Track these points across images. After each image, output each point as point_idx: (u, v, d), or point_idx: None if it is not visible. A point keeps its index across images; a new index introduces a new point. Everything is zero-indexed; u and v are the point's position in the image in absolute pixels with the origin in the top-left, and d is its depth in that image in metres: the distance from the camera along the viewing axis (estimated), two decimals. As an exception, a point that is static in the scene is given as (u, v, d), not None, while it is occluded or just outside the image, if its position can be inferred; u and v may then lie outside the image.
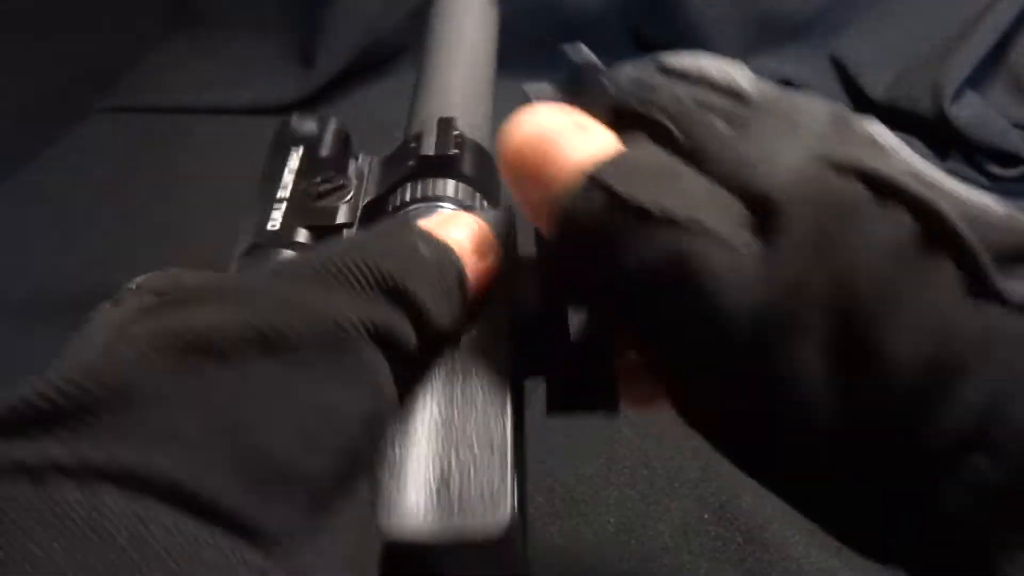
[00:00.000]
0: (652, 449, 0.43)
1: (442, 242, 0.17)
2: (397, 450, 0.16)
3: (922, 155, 0.14)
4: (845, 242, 0.13)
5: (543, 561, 0.38)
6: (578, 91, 0.18)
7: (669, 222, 0.14)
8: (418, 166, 0.26)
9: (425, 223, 0.18)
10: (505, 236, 0.20)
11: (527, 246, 0.20)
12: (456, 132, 0.27)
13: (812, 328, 0.13)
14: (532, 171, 0.17)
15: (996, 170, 0.62)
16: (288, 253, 0.25)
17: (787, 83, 0.72)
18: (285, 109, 0.75)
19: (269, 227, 0.25)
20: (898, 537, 0.14)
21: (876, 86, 0.70)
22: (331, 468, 0.13)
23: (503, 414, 0.16)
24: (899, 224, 0.13)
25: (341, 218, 0.26)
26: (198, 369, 0.12)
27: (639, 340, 0.17)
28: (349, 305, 0.14)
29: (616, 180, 0.15)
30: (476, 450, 0.16)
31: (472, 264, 0.18)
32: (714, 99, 0.16)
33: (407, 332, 0.15)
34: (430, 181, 0.26)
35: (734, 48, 0.74)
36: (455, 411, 0.16)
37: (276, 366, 0.13)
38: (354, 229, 0.26)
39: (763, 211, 0.14)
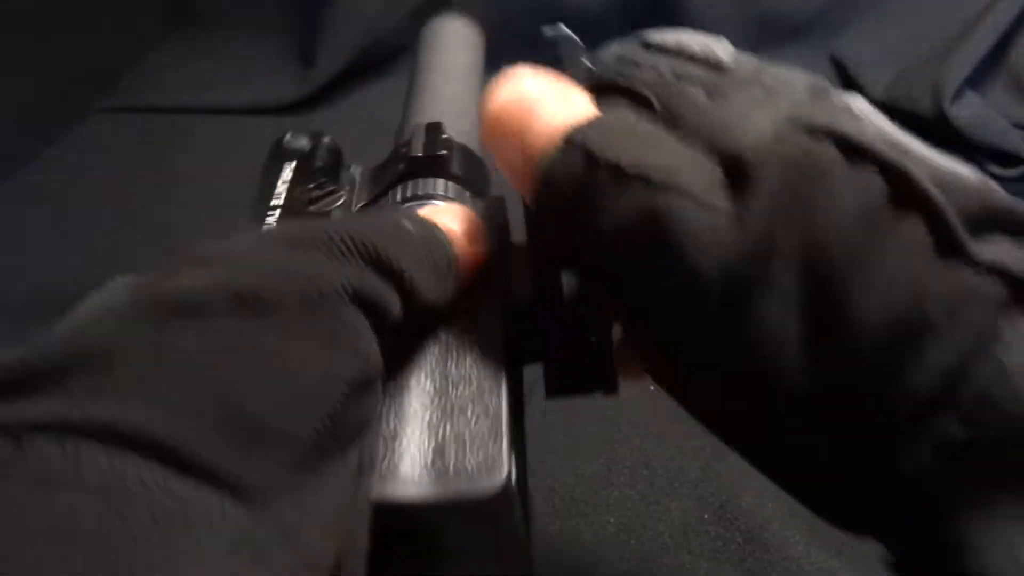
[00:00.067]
0: (652, 449, 0.43)
1: (428, 220, 0.18)
2: (392, 423, 0.16)
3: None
4: (816, 202, 0.13)
5: (543, 561, 0.38)
6: (560, 70, 0.19)
7: (644, 181, 0.14)
8: (408, 168, 0.27)
9: (414, 211, 0.18)
10: (497, 224, 0.20)
11: (520, 238, 0.21)
12: (444, 136, 0.28)
13: (782, 287, 0.13)
14: (513, 134, 0.17)
15: (996, 170, 0.62)
16: None
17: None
18: (285, 109, 0.75)
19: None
20: (865, 502, 0.14)
21: (876, 86, 0.70)
22: (312, 427, 0.13)
23: (498, 385, 0.17)
24: (870, 186, 0.13)
25: (334, 223, 0.26)
26: (175, 329, 0.12)
27: (617, 306, 0.17)
28: (329, 268, 0.14)
29: (593, 141, 0.15)
30: (470, 417, 0.16)
31: (461, 247, 0.18)
32: (694, 70, 0.16)
33: (391, 300, 0.15)
34: (420, 181, 0.26)
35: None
36: (449, 384, 0.17)
37: (253, 325, 0.13)
38: None
39: (737, 172, 0.14)
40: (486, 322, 0.18)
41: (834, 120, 0.14)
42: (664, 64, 0.16)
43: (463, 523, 0.15)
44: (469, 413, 0.16)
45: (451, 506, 0.14)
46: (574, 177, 0.15)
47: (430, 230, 0.17)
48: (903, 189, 0.13)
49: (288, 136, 0.29)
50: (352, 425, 0.14)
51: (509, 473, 0.15)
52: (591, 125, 0.16)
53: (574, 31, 0.20)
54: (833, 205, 0.13)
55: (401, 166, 0.27)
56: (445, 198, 0.26)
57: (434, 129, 0.28)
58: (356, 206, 0.27)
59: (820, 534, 0.38)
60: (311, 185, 0.27)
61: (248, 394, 0.12)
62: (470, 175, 0.28)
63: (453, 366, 0.17)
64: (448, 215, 0.19)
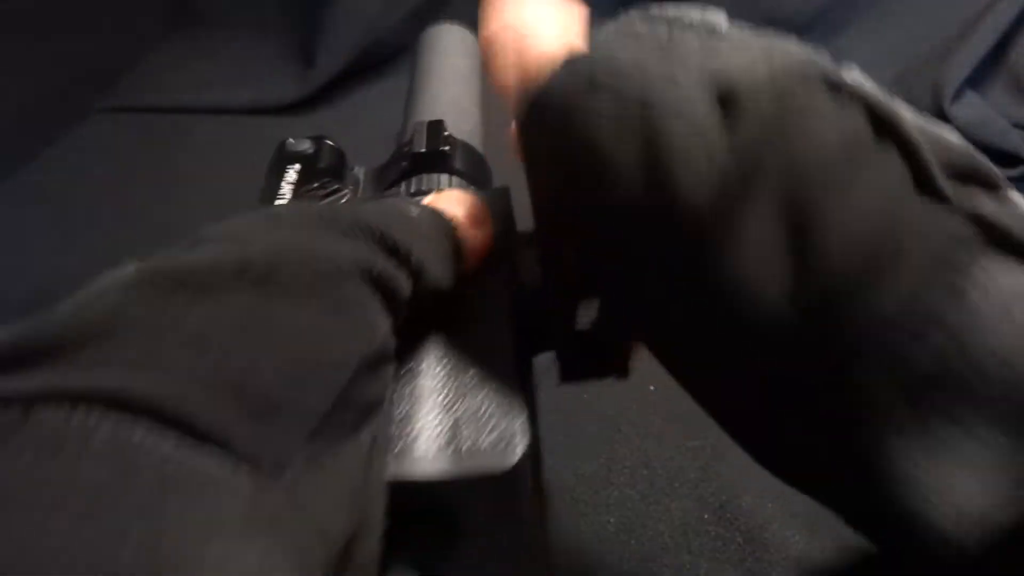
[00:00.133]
0: (652, 449, 0.43)
1: (432, 206, 0.18)
2: (405, 405, 0.16)
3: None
4: (800, 130, 0.14)
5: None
6: None
7: (641, 103, 0.14)
8: (412, 164, 0.27)
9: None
10: (502, 212, 0.20)
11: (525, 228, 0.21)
12: (446, 132, 0.28)
13: (765, 210, 0.13)
14: (511, 53, 0.17)
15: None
16: None
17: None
18: (285, 109, 0.75)
19: None
20: (864, 502, 0.14)
21: (876, 86, 0.71)
22: (324, 400, 0.13)
23: (509, 366, 0.17)
24: (855, 122, 0.14)
25: (339, 221, 0.27)
26: (183, 301, 0.12)
27: (602, 244, 0.17)
28: (343, 246, 0.14)
29: (593, 62, 0.15)
30: (483, 396, 0.16)
31: (466, 231, 0.18)
32: (692, 32, 0.16)
33: (401, 281, 0.15)
34: (424, 176, 0.26)
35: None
36: (461, 366, 0.17)
37: (265, 299, 0.13)
38: None
39: (729, 99, 0.14)
40: (494, 306, 0.18)
41: (828, 69, 0.14)
42: (663, 27, 0.17)
43: (478, 500, 0.15)
44: (482, 393, 0.16)
45: (466, 483, 0.14)
46: (571, 96, 0.15)
47: (435, 215, 0.17)
48: (887, 130, 0.14)
49: (291, 140, 0.29)
50: (365, 401, 0.14)
51: (524, 450, 0.15)
52: (592, 48, 0.16)
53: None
54: (817, 132, 0.14)
55: (405, 163, 0.27)
56: None
57: (436, 126, 0.28)
58: None
59: (820, 534, 0.38)
60: (316, 185, 0.27)
61: (259, 365, 0.12)
62: (473, 170, 0.28)
63: (464, 349, 0.17)
64: (453, 201, 0.19)
